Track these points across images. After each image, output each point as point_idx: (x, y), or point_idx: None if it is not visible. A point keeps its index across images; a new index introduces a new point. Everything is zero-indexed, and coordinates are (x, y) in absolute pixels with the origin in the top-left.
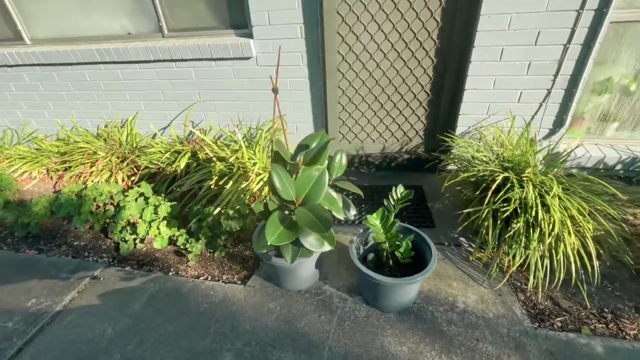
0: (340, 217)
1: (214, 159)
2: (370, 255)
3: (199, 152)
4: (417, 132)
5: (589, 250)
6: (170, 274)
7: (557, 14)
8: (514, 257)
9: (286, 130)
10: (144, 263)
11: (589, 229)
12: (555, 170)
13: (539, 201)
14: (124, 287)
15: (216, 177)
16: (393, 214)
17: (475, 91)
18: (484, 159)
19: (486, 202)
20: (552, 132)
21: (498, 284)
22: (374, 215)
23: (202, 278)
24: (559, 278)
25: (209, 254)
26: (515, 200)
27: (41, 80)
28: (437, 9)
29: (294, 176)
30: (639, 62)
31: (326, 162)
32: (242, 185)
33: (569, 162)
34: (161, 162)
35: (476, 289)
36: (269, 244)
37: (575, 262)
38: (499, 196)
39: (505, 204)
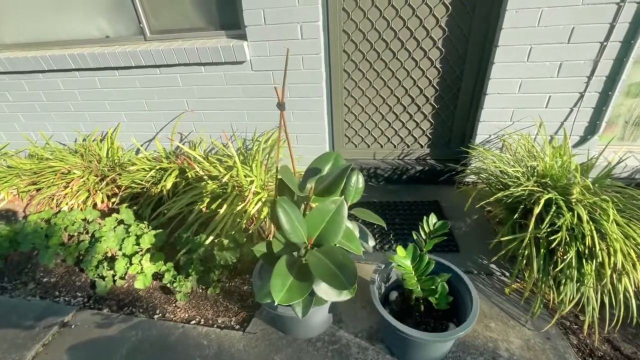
0: (359, 253)
1: (205, 177)
2: (394, 295)
3: (187, 170)
4: (430, 139)
5: None
6: (156, 317)
7: (595, 7)
8: (561, 292)
9: (284, 147)
10: (124, 303)
11: None
12: (601, 183)
13: (593, 227)
14: (100, 336)
15: (208, 199)
16: (426, 253)
17: (497, 96)
18: (516, 174)
19: (530, 229)
20: (583, 139)
21: (542, 322)
22: (402, 252)
23: (193, 322)
24: (618, 317)
25: (201, 291)
26: (564, 226)
27: (9, 89)
28: (453, 1)
29: (303, 209)
30: None
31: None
32: (238, 208)
33: (599, 172)
34: (145, 182)
35: (519, 330)
36: (276, 304)
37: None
38: (545, 222)
39: (548, 229)
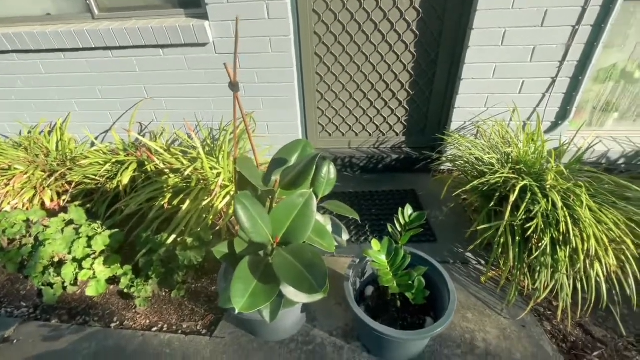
0: (332, 250)
1: (167, 171)
2: (370, 290)
3: (147, 163)
4: (405, 127)
5: (626, 269)
6: (113, 325)
7: None
8: (536, 280)
9: (253, 136)
10: (77, 312)
11: (629, 244)
12: (572, 169)
13: (567, 213)
14: (47, 351)
15: (170, 195)
16: (402, 246)
17: (472, 81)
18: (491, 160)
19: (506, 217)
20: (554, 125)
21: (518, 310)
22: (377, 245)
23: (155, 329)
24: (590, 302)
25: (164, 294)
26: (540, 213)
27: None
28: None
29: (269, 204)
30: None
31: (309, 181)
32: (204, 203)
33: (567, 158)
34: (100, 176)
35: (495, 319)
36: (236, 312)
37: (608, 282)
38: (521, 210)
39: (523, 217)
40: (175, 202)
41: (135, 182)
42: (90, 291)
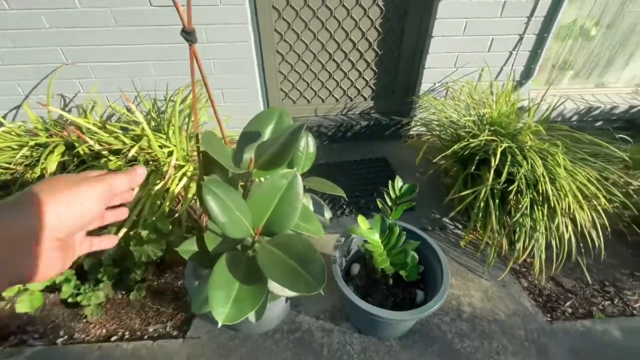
0: (320, 235)
1: (105, 152)
2: (356, 268)
3: (77, 145)
4: (373, 91)
5: (595, 223)
6: (60, 340)
7: None
8: (515, 241)
9: (205, 107)
10: (10, 331)
11: (603, 201)
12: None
13: (545, 173)
14: None
15: None
16: (396, 223)
17: (442, 39)
18: (468, 123)
19: (490, 180)
20: (519, 84)
21: (498, 271)
22: (364, 222)
23: (115, 338)
24: (562, 257)
25: (121, 297)
26: (522, 175)
27: None
28: None
29: (243, 189)
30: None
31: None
32: (157, 187)
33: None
34: (16, 164)
35: (477, 282)
36: (219, 325)
37: (576, 236)
38: (504, 172)
39: (499, 179)
40: None
41: (67, 168)
42: (22, 307)
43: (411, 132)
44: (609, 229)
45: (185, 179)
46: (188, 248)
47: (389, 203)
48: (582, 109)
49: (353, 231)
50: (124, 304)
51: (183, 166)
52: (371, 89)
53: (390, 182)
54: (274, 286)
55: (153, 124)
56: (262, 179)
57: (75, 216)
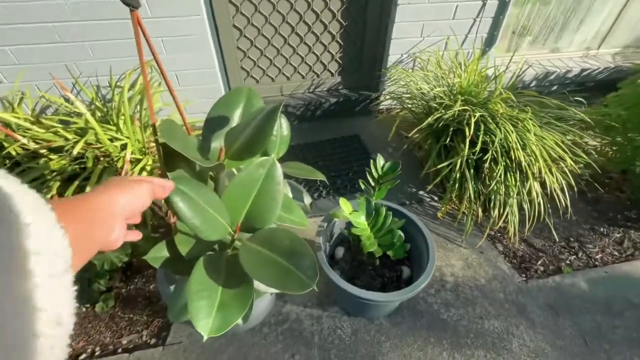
0: (305, 226)
1: (43, 151)
2: (340, 251)
3: (6, 144)
4: (340, 65)
5: (560, 182)
6: None
7: None
8: (490, 208)
9: (159, 91)
10: None
11: (570, 163)
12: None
13: (517, 139)
14: None
15: (58, 183)
16: (382, 205)
17: (408, 6)
18: (440, 94)
19: (465, 151)
20: (483, 52)
21: (475, 238)
22: (347, 205)
23: (84, 356)
24: (533, 219)
25: (85, 310)
26: (496, 143)
27: None
28: None
29: (214, 182)
30: None
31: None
32: None
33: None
34: None
35: (457, 252)
36: (204, 339)
37: (551, 198)
38: (479, 142)
39: (474, 148)
40: (69, 193)
41: None
42: None
43: (381, 107)
44: (575, 188)
45: (144, 174)
46: (157, 255)
47: (372, 183)
48: (540, 74)
49: (336, 215)
50: (90, 318)
51: (140, 160)
52: (338, 64)
53: (372, 161)
54: (259, 283)
55: (99, 114)
56: (235, 169)
57: (135, 202)
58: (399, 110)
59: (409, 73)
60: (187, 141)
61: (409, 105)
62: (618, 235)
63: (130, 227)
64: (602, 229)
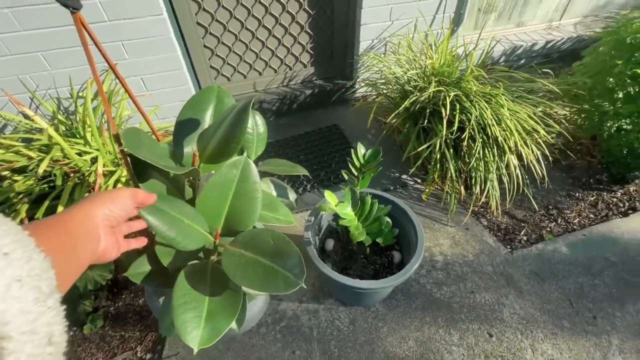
0: (292, 223)
1: (6, 173)
2: (330, 244)
3: None
4: (312, 56)
5: (535, 154)
6: None
7: None
8: (472, 185)
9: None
10: None
11: (543, 133)
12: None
13: (492, 115)
14: None
15: (27, 205)
16: (367, 194)
17: None
18: (414, 77)
19: (444, 131)
20: (452, 32)
21: (460, 216)
22: (333, 197)
23: None
24: (513, 192)
25: (73, 333)
26: (472, 121)
27: None
28: None
29: (192, 187)
30: None
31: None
32: None
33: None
34: None
35: (444, 231)
36: (195, 352)
37: (528, 170)
38: (456, 121)
39: (451, 128)
40: (39, 215)
41: None
42: None
43: (357, 95)
44: (550, 157)
45: (120, 186)
46: (139, 270)
47: (355, 172)
48: (508, 49)
49: (322, 209)
50: (79, 341)
51: (114, 172)
52: (309, 54)
53: (352, 150)
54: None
55: (63, 128)
56: (213, 172)
57: (114, 208)
58: (375, 96)
59: (382, 58)
60: (157, 149)
61: (385, 91)
62: (592, 199)
63: (133, 235)
64: (577, 194)
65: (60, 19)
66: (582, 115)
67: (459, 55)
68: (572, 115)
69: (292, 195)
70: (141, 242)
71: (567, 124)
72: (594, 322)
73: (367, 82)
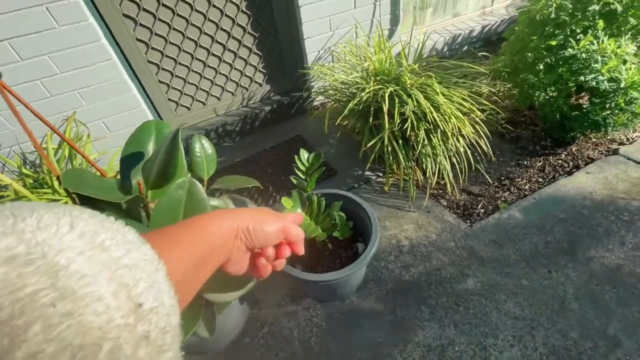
0: None
1: None
2: None
3: None
4: (265, 74)
5: (479, 132)
6: None
7: None
8: (424, 169)
9: (90, 141)
10: None
11: (478, 113)
12: (420, 65)
13: (429, 104)
14: None
15: None
16: (312, 193)
17: (310, 6)
18: (356, 79)
19: (386, 125)
20: (391, 32)
21: (421, 201)
22: (289, 202)
23: None
24: (465, 170)
25: None
26: (410, 112)
27: None
28: None
29: (145, 214)
30: None
31: (184, 165)
32: None
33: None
34: None
35: (407, 217)
36: None
37: (470, 148)
38: (396, 115)
39: (399, 121)
40: None
41: None
42: None
43: (315, 103)
44: (489, 135)
45: None
46: None
47: (302, 176)
48: (448, 39)
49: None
50: None
51: None
52: (262, 73)
53: (296, 156)
54: (212, 295)
55: (30, 181)
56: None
57: (262, 232)
58: (331, 103)
59: (327, 67)
60: (102, 184)
61: (335, 97)
62: (540, 164)
63: None
64: (526, 162)
65: (14, 79)
66: (516, 90)
67: (396, 53)
68: (509, 91)
69: (252, 207)
70: (282, 264)
71: (506, 100)
72: (549, 276)
73: (318, 91)
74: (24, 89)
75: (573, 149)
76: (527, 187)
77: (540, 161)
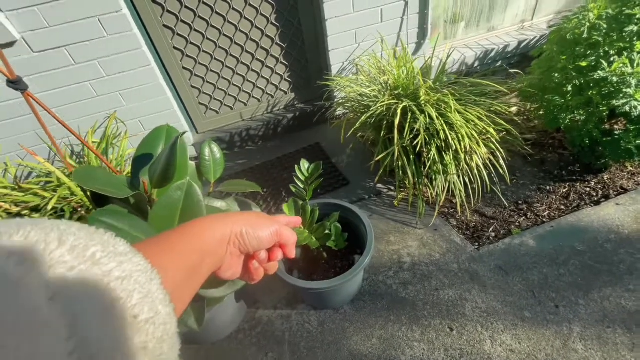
0: None
1: (25, 212)
2: (297, 252)
3: None
4: (291, 83)
5: (496, 153)
6: None
7: None
8: (434, 187)
9: (127, 137)
10: None
11: (493, 133)
12: (441, 80)
13: (443, 121)
14: None
15: None
16: (307, 202)
17: (337, 20)
18: (373, 92)
19: (396, 140)
20: (418, 46)
21: (429, 218)
22: (288, 211)
23: None
24: (479, 190)
25: None
26: (422, 128)
27: None
28: None
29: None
30: None
31: (191, 166)
32: None
33: (434, 72)
34: None
35: (413, 234)
36: None
37: (487, 169)
38: (406, 130)
39: (410, 136)
40: None
41: None
42: None
43: (337, 113)
44: (506, 156)
45: None
46: None
47: (302, 185)
48: (480, 54)
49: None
50: None
51: None
52: (288, 82)
53: (296, 166)
54: (205, 291)
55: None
56: None
57: (255, 237)
58: (349, 114)
59: (348, 79)
60: (112, 180)
61: (352, 108)
62: (564, 190)
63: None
64: (548, 187)
65: (67, 80)
66: (541, 111)
67: (418, 68)
68: (535, 112)
69: (256, 210)
70: (275, 267)
71: (535, 121)
72: (556, 311)
73: (339, 102)
74: (75, 89)
75: (605, 177)
76: (546, 213)
77: (565, 187)
